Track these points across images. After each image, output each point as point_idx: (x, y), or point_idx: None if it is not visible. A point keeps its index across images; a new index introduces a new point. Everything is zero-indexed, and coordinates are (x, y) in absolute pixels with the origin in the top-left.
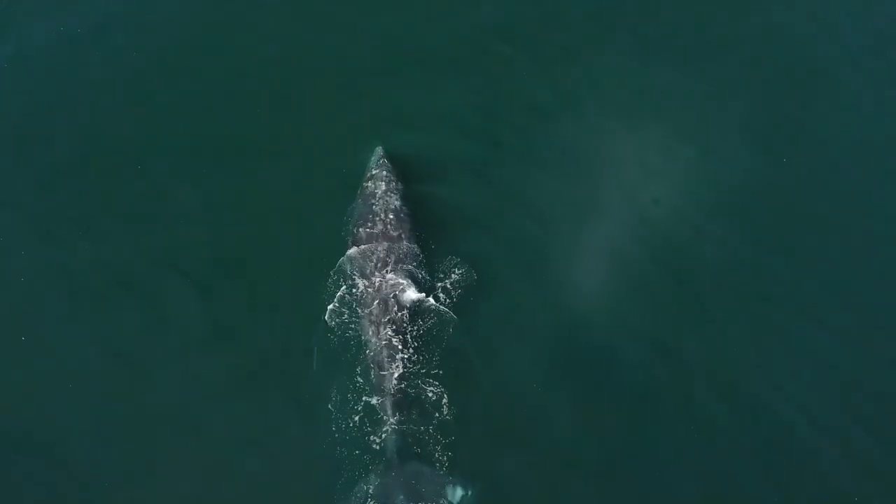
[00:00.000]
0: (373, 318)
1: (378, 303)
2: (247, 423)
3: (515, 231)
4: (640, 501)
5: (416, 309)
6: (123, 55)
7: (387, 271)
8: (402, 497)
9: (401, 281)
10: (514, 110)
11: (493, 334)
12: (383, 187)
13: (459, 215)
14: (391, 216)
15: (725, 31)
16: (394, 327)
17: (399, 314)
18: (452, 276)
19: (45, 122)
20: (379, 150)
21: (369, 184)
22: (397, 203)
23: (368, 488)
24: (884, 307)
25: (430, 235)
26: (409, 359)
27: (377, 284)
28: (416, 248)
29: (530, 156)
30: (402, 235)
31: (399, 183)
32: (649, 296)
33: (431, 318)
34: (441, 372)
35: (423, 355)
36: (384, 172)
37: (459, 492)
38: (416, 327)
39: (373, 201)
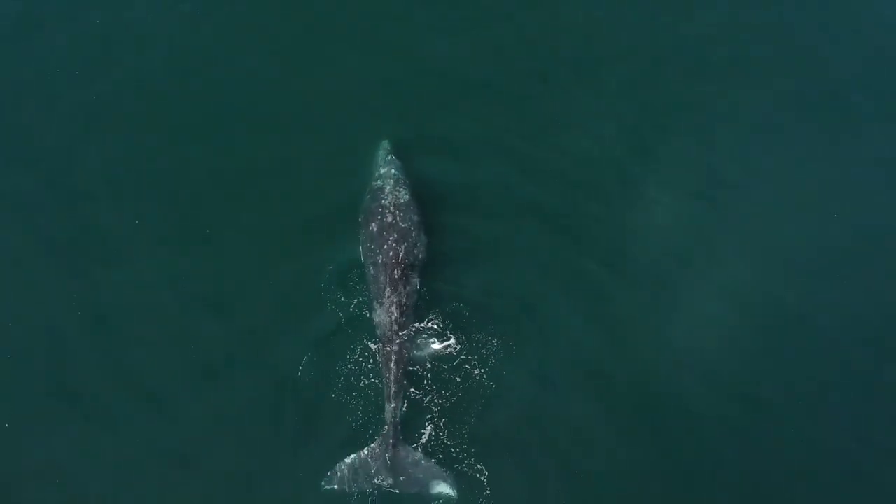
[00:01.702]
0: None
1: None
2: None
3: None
4: None
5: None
6: (123, 57)
7: (399, 270)
8: (390, 479)
9: (415, 325)
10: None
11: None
12: (391, 183)
13: (475, 210)
14: (400, 210)
15: None
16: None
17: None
18: (491, 344)
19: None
20: (385, 145)
21: (378, 181)
22: (406, 197)
23: (358, 466)
24: None
25: (442, 231)
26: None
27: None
28: (425, 240)
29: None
30: (412, 227)
31: (408, 179)
32: (735, 348)
33: (458, 380)
34: (474, 449)
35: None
36: (392, 170)
37: (447, 488)
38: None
39: (382, 196)
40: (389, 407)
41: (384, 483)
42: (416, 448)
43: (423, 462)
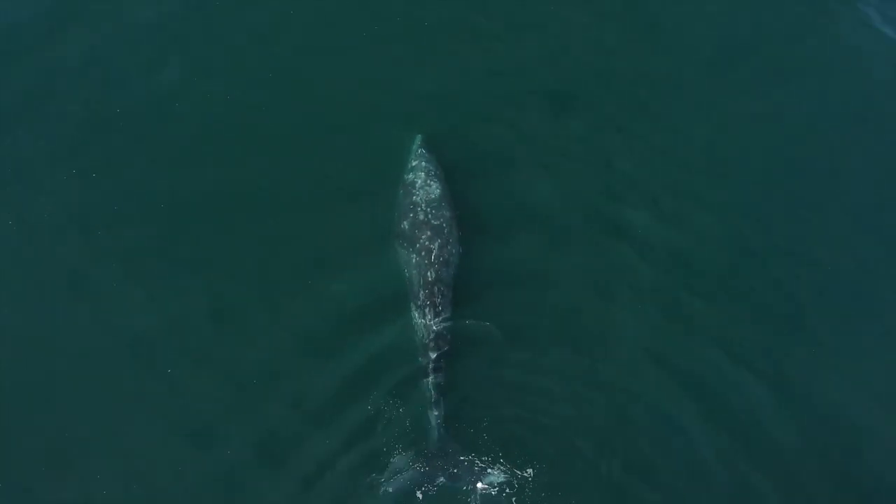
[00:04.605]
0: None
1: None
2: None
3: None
4: None
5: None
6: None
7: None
8: (440, 478)
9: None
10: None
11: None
12: (423, 177)
13: (506, 205)
14: (432, 207)
15: None
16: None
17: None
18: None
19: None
20: (418, 139)
21: (409, 175)
22: (438, 192)
23: (407, 466)
24: None
25: (474, 225)
26: None
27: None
28: (458, 236)
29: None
30: (444, 224)
31: (440, 170)
32: None
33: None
34: None
35: None
36: (423, 163)
37: (494, 479)
38: None
39: (413, 191)
40: (433, 414)
41: (435, 479)
42: (465, 450)
43: (472, 463)
